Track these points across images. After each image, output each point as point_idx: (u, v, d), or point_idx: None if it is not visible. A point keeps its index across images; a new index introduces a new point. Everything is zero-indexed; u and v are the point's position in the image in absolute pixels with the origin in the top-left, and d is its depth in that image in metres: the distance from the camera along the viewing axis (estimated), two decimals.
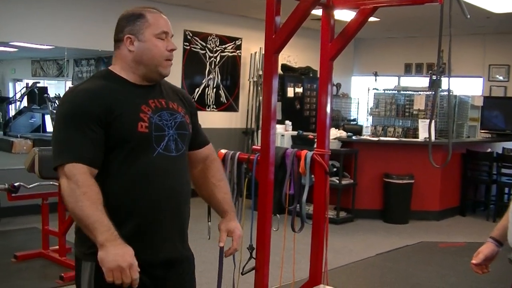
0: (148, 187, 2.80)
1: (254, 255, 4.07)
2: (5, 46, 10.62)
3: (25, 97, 13.29)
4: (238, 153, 4.35)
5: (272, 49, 3.80)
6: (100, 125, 2.70)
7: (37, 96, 12.77)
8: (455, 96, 11.34)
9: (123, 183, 2.77)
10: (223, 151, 4.42)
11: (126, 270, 2.55)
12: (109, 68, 2.95)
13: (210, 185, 3.25)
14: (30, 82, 13.14)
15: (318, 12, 4.07)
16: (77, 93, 2.79)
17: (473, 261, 3.24)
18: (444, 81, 10.93)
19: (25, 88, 13.34)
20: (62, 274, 6.36)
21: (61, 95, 11.62)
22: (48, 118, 12.62)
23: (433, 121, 4.43)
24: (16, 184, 6.91)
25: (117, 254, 2.55)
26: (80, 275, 2.84)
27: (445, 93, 10.84)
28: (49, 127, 12.63)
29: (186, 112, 3.07)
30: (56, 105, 11.52)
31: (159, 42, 2.88)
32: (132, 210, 2.78)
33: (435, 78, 11.52)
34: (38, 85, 12.83)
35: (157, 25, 2.90)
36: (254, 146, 4.81)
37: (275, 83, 3.85)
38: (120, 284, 2.57)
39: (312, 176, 4.21)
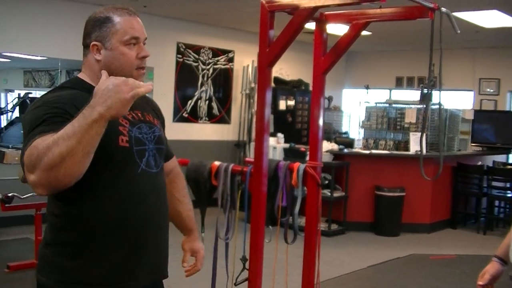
0: (136, 205, 2.55)
1: (247, 266, 4.10)
2: None
3: (17, 108, 13.27)
4: (231, 165, 4.38)
5: (266, 62, 3.83)
6: None
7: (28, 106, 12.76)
8: (446, 109, 11.41)
9: (108, 204, 2.49)
10: (217, 163, 4.44)
11: (122, 82, 2.20)
12: (78, 76, 2.67)
13: (174, 200, 3.08)
14: (22, 92, 13.13)
15: (311, 25, 4.11)
16: (48, 98, 2.48)
17: (480, 282, 3.22)
18: (435, 94, 10.99)
19: (17, 99, 13.32)
20: None
21: None
22: None
23: (424, 134, 4.45)
24: (9, 194, 6.92)
25: (99, 94, 2.18)
26: None
27: (436, 106, 10.90)
28: None
29: (160, 125, 2.84)
30: None
31: (128, 49, 2.55)
32: (119, 231, 2.52)
33: (426, 91, 11.57)
34: (30, 95, 12.81)
35: (126, 29, 2.55)
36: (247, 158, 4.85)
37: (269, 96, 3.88)
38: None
39: (305, 188, 4.24)
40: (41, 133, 2.23)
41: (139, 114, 2.68)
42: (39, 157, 2.13)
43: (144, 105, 2.78)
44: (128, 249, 2.55)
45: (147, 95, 2.49)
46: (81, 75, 2.65)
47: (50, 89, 2.65)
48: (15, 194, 7.01)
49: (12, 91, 13.84)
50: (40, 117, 2.33)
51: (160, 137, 2.74)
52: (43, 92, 2.65)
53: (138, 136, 2.59)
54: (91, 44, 2.57)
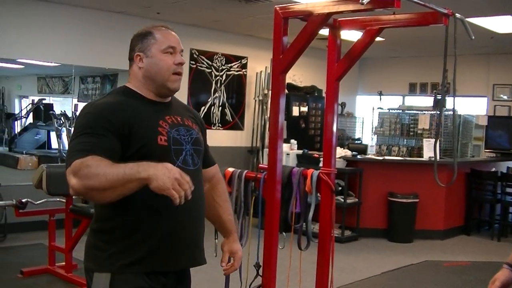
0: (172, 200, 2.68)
1: (260, 272, 4.10)
2: (12, 63, 10.69)
3: (31, 114, 13.34)
4: (245, 171, 4.38)
5: (279, 69, 3.83)
6: (118, 136, 2.74)
7: (42, 112, 12.80)
8: (460, 115, 11.38)
9: (145, 196, 2.68)
10: (230, 169, 4.44)
11: (180, 178, 2.49)
12: (126, 85, 3.05)
13: (215, 205, 3.36)
14: (36, 98, 13.20)
15: (324, 32, 4.11)
16: (97, 105, 2.85)
17: None
18: (449, 100, 10.96)
19: (31, 105, 13.39)
20: None
21: (66, 112, 11.71)
22: (53, 135, 12.65)
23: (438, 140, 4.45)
24: (23, 200, 6.95)
25: (163, 169, 2.49)
26: (92, 286, 2.87)
27: (450, 112, 10.87)
28: (54, 144, 12.64)
29: (199, 130, 3.15)
30: (61, 121, 11.56)
31: (166, 56, 2.96)
32: (156, 220, 2.83)
33: (439, 97, 11.55)
34: (43, 101, 12.88)
35: (164, 40, 2.96)
36: (260, 165, 4.84)
37: (282, 102, 3.88)
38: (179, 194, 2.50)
39: (318, 194, 4.24)
40: (93, 147, 2.63)
41: (178, 119, 3.03)
42: (87, 176, 2.51)
43: (184, 112, 3.15)
44: (164, 237, 2.85)
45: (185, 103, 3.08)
46: (128, 84, 3.05)
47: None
48: (29, 200, 7.05)
49: (26, 97, 13.91)
50: (86, 125, 2.74)
51: (197, 139, 3.06)
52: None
53: (176, 137, 2.93)
54: (135, 55, 3.00)
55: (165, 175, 2.45)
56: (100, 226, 2.92)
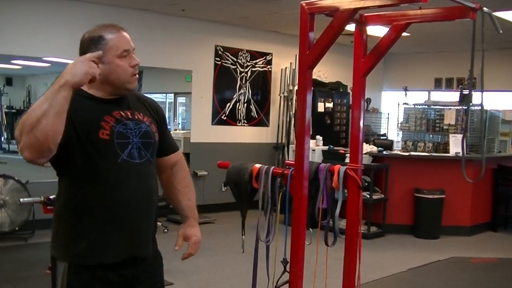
0: (113, 189, 2.94)
1: (287, 268, 4.10)
2: (38, 61, 10.76)
3: None
4: (272, 167, 4.37)
5: (306, 65, 3.82)
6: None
7: None
8: (486, 110, 11.28)
9: (88, 186, 2.91)
10: (257, 165, 4.44)
11: (90, 57, 2.72)
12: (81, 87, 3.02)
13: (175, 191, 3.44)
14: None
15: (349, 27, 4.09)
16: None
17: None
18: (475, 95, 10.90)
19: None
20: None
21: None
22: None
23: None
24: (51, 196, 7.00)
25: (75, 63, 2.68)
26: (56, 275, 3.02)
27: (476, 108, 10.81)
28: None
29: (152, 121, 3.21)
30: None
31: (122, 61, 2.98)
32: (100, 211, 2.93)
33: (466, 92, 11.48)
34: None
35: (118, 45, 2.97)
36: (287, 161, 4.84)
37: (309, 98, 3.87)
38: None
39: (345, 190, 4.23)
40: None
41: (129, 114, 3.08)
42: (23, 124, 2.56)
43: (138, 105, 3.19)
44: (107, 228, 2.95)
45: (147, 96, 3.36)
46: (83, 87, 2.93)
47: None
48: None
49: None
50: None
51: (146, 132, 3.10)
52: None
53: (122, 131, 2.99)
54: None
55: (78, 67, 2.64)
56: (56, 219, 3.06)
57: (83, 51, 2.97)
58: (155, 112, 3.30)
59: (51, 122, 2.56)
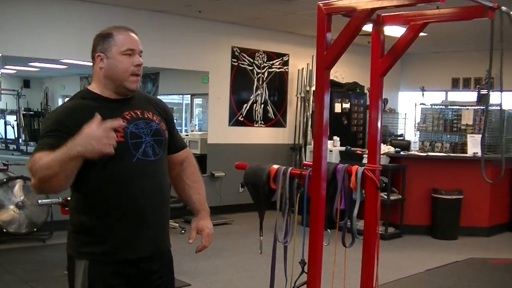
0: (131, 188, 3.08)
1: (305, 269, 4.09)
2: (55, 64, 10.81)
3: None
4: (290, 168, 4.37)
5: (324, 65, 3.82)
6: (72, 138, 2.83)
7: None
8: (504, 110, 11.21)
9: (108, 187, 3.04)
10: (275, 166, 4.43)
11: (103, 133, 2.72)
12: (87, 87, 3.27)
13: (185, 186, 3.57)
14: None
15: (366, 27, 4.09)
16: (57, 111, 3.15)
17: None
18: (493, 95, 10.86)
19: None
20: None
21: None
22: None
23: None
24: (69, 198, 7.03)
25: (86, 138, 2.69)
26: (74, 273, 3.13)
27: (494, 108, 10.76)
28: None
29: (161, 120, 3.35)
30: None
31: (125, 58, 3.12)
32: (118, 209, 3.06)
33: (484, 92, 11.44)
34: None
35: (123, 43, 3.13)
36: (305, 162, 4.83)
37: (327, 99, 3.86)
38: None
39: (363, 191, 4.22)
40: (44, 146, 2.87)
41: (138, 113, 3.22)
42: (36, 171, 2.75)
43: (145, 105, 3.32)
44: (128, 225, 3.08)
45: (154, 97, 3.46)
46: (90, 87, 3.25)
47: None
48: None
49: (69, 97, 14.04)
50: (46, 129, 3.01)
51: (157, 130, 3.24)
52: None
53: (134, 131, 3.13)
54: (96, 55, 3.16)
55: (90, 144, 2.68)
56: (74, 219, 3.17)
57: (93, 46, 3.19)
58: (163, 111, 3.43)
59: (60, 183, 2.80)
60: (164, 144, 3.30)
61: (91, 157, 2.71)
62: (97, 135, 2.69)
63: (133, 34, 3.22)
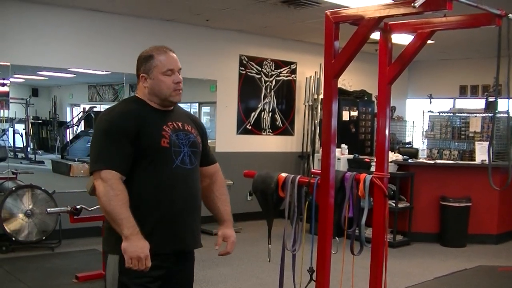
0: (169, 191, 3.42)
1: (314, 277, 4.10)
2: (63, 72, 10.83)
3: (82, 122, 13.50)
4: (298, 176, 4.38)
5: (332, 73, 3.83)
6: (131, 141, 3.33)
7: (93, 120, 12.94)
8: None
9: (149, 187, 3.38)
10: (283, 174, 4.45)
11: (143, 260, 3.19)
12: (136, 94, 3.63)
13: (214, 197, 3.89)
14: (87, 106, 13.35)
15: (374, 36, 4.10)
16: (114, 114, 3.44)
17: None
18: (501, 102, 10.85)
19: (82, 113, 13.56)
20: None
21: None
22: None
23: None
24: (78, 206, 7.07)
25: (138, 246, 3.18)
26: (107, 266, 3.44)
27: (502, 115, 10.75)
28: None
29: (198, 134, 3.71)
30: None
31: (166, 78, 3.49)
32: (155, 209, 3.39)
33: (492, 99, 11.43)
34: (94, 109, 13.02)
35: (164, 64, 3.50)
36: (313, 170, 4.84)
37: (335, 107, 3.88)
38: (136, 269, 3.19)
39: (371, 199, 4.22)
40: (112, 157, 3.30)
41: (180, 125, 3.58)
42: (107, 198, 3.21)
43: (185, 119, 3.69)
44: (161, 224, 3.40)
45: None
46: (137, 94, 3.62)
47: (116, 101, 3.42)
48: (83, 206, 7.15)
49: (77, 105, 14.07)
50: (107, 129, 3.36)
51: (194, 142, 3.62)
52: (107, 106, 3.62)
53: (175, 141, 3.49)
54: (140, 75, 3.54)
55: (132, 252, 3.17)
56: None
57: (137, 66, 3.56)
58: (199, 127, 3.80)
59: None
60: (199, 155, 3.66)
61: (128, 251, 3.17)
62: (137, 254, 3.18)
63: (172, 54, 3.57)
